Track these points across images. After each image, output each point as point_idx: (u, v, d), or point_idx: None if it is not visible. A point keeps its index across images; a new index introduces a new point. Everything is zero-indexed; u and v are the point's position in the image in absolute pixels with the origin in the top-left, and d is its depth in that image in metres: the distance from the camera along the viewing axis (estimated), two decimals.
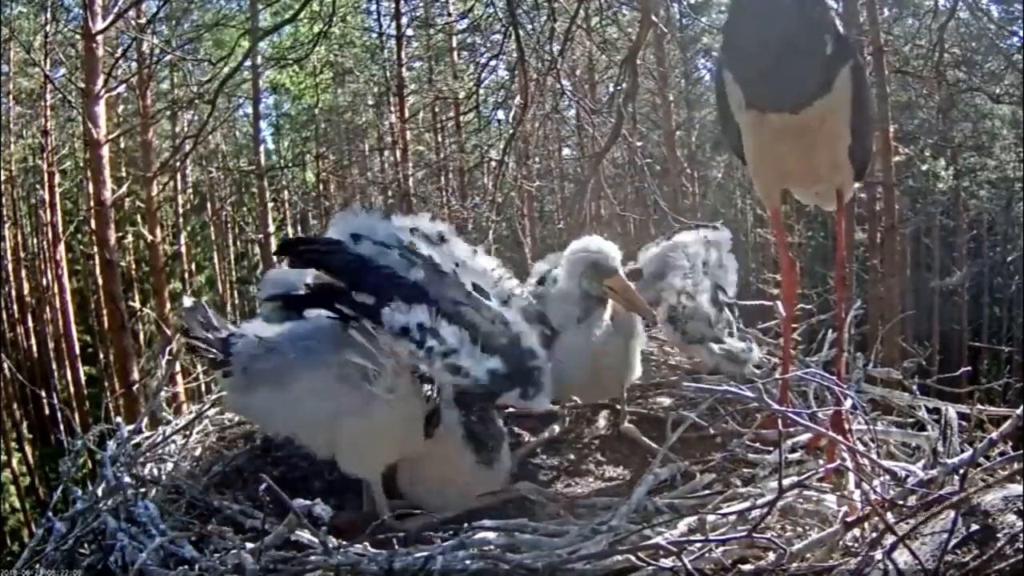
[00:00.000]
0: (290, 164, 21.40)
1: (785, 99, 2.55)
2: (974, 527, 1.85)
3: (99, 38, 9.81)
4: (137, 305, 15.81)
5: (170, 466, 3.08)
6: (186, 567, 2.19)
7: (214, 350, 2.54)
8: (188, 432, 3.29)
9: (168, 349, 3.41)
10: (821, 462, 2.62)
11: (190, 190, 20.90)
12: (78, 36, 11.56)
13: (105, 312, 12.03)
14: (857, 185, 3.14)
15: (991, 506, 1.89)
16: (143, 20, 12.06)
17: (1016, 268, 19.60)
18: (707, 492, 2.52)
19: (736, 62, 2.65)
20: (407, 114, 16.68)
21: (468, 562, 2.06)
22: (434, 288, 2.54)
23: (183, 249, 19.20)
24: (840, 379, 2.85)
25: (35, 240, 19.53)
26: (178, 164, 14.29)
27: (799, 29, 2.49)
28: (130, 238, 17.91)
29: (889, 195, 11.50)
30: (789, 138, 2.67)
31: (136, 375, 9.81)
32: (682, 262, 3.37)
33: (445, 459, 2.61)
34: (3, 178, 16.10)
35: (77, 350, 15.99)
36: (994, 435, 2.24)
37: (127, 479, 2.76)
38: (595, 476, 3.07)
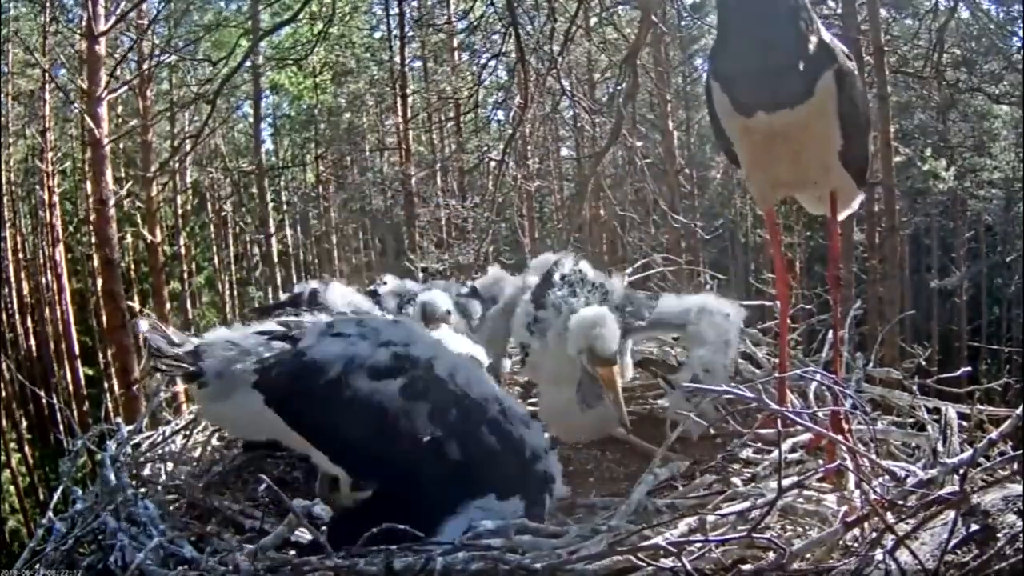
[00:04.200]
0: (290, 164, 21.42)
1: (766, 101, 2.60)
2: (974, 527, 1.85)
3: (101, 39, 9.82)
4: (136, 306, 15.79)
5: (170, 466, 3.09)
6: (186, 567, 2.19)
7: (185, 364, 2.47)
8: (188, 432, 3.30)
9: None
10: (821, 462, 2.62)
11: (189, 191, 20.90)
12: (78, 36, 11.57)
13: (105, 311, 12.02)
14: (861, 197, 3.12)
15: (991, 506, 1.88)
16: (144, 21, 12.05)
17: (1015, 268, 19.60)
18: (707, 492, 2.52)
19: (721, 67, 2.71)
20: (408, 114, 16.69)
21: (468, 562, 2.06)
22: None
23: (182, 250, 19.21)
24: (838, 379, 2.85)
25: (35, 241, 19.53)
26: (177, 164, 14.30)
27: (779, 35, 2.54)
28: (129, 238, 17.92)
29: (889, 196, 11.48)
30: (776, 142, 2.71)
31: (137, 374, 9.80)
32: (710, 336, 3.22)
33: None
34: (3, 179, 16.10)
35: (77, 350, 15.99)
36: (994, 435, 2.24)
37: (127, 479, 2.76)
38: (595, 476, 3.07)
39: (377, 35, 18.69)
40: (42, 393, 16.27)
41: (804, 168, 2.82)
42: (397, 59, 16.61)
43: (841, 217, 3.15)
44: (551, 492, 2.20)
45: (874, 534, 1.97)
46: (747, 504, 2.22)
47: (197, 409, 2.81)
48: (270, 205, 18.12)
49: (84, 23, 10.36)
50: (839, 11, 9.89)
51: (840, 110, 2.67)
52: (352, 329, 2.28)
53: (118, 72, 11.48)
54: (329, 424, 2.19)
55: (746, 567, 1.99)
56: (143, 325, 2.60)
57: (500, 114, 15.02)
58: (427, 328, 3.05)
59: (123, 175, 16.58)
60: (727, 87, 2.68)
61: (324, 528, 2.22)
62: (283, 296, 3.28)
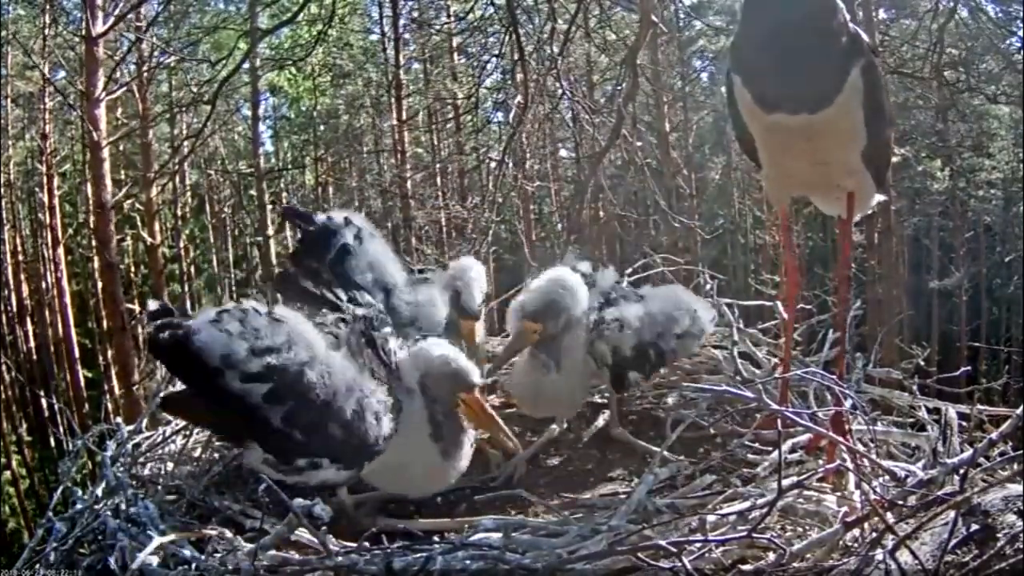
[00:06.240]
0: (289, 167, 21.43)
1: (794, 102, 2.50)
2: (974, 527, 1.86)
3: (100, 41, 9.83)
4: (137, 308, 15.79)
5: (170, 466, 3.08)
6: (186, 567, 2.19)
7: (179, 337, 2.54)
8: (188, 432, 3.29)
9: None
10: (821, 462, 2.62)
11: (189, 193, 20.91)
12: (77, 39, 11.58)
13: (105, 313, 12.05)
14: (881, 198, 3.03)
15: (991, 506, 1.89)
16: (143, 23, 12.05)
17: (1015, 268, 19.61)
18: (707, 492, 2.51)
19: (743, 61, 2.61)
20: (405, 116, 16.70)
21: (468, 562, 2.07)
22: None
23: (182, 252, 19.21)
24: (840, 379, 2.84)
25: (34, 243, 19.52)
26: (177, 166, 14.30)
27: (808, 32, 2.44)
28: (129, 241, 17.92)
29: (887, 197, 11.49)
30: (800, 141, 2.62)
31: (137, 376, 9.81)
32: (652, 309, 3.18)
33: (407, 445, 2.63)
34: (2, 181, 16.10)
35: (76, 353, 15.98)
36: (994, 435, 2.24)
37: (127, 479, 2.76)
38: (595, 476, 3.07)
39: (374, 37, 18.71)
40: (42, 395, 16.27)
41: (826, 167, 2.73)
42: (393, 61, 16.61)
43: (856, 218, 3.06)
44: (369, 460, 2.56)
45: (874, 534, 1.97)
46: (747, 504, 2.22)
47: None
48: (268, 207, 18.13)
49: (81, 25, 10.40)
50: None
51: (866, 106, 2.56)
52: (234, 327, 2.48)
53: (117, 74, 11.49)
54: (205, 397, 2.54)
55: (746, 567, 1.99)
56: (152, 305, 2.66)
57: (499, 115, 15.03)
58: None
59: (123, 177, 16.58)
60: (749, 82, 2.57)
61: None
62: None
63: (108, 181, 10.39)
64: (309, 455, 2.47)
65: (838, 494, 2.37)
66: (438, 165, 17.25)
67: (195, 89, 11.81)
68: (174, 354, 2.50)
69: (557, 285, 2.99)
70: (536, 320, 2.91)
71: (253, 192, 18.44)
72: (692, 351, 3.34)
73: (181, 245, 19.24)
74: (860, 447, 2.56)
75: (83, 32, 10.20)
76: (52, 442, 14.84)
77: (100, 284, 13.62)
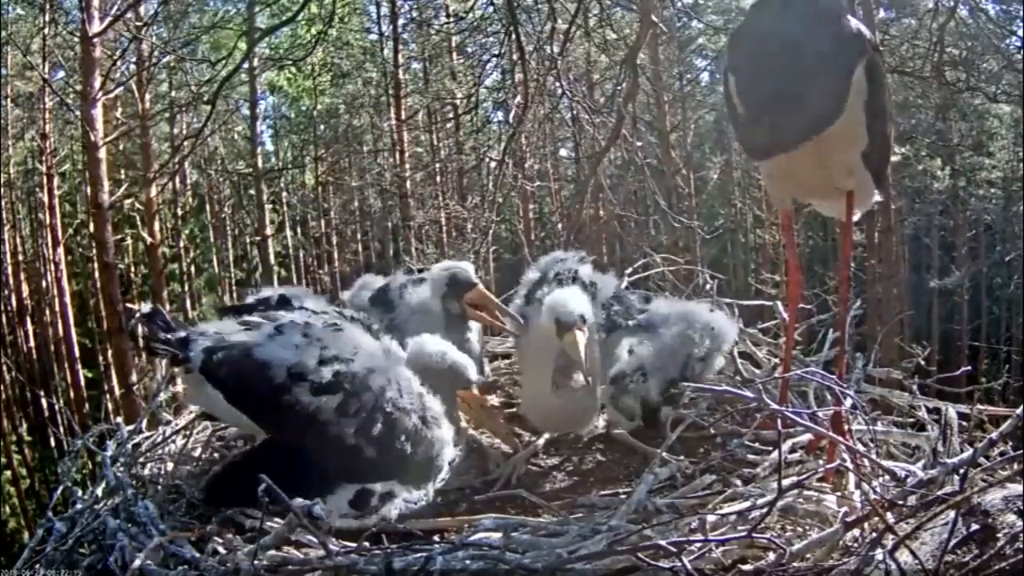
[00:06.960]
0: (289, 166, 21.43)
1: (794, 138, 2.47)
2: (974, 527, 1.85)
3: (97, 40, 9.83)
4: (136, 307, 15.75)
5: (170, 466, 3.08)
6: (186, 567, 2.19)
7: (174, 349, 2.59)
8: (188, 433, 3.29)
9: None
10: (821, 462, 2.62)
11: (188, 193, 20.90)
12: (76, 39, 11.58)
13: (104, 314, 12.03)
14: (879, 197, 2.99)
15: (991, 506, 1.89)
16: (141, 23, 12.04)
17: (1015, 267, 19.60)
18: (707, 492, 2.51)
19: (739, 63, 2.56)
20: (404, 115, 16.70)
21: (468, 562, 2.06)
22: None
23: (182, 251, 19.20)
24: (840, 379, 2.84)
25: (34, 243, 19.51)
26: (176, 166, 14.28)
27: (808, 42, 2.36)
28: (129, 240, 17.91)
29: (885, 196, 11.45)
30: (803, 156, 2.58)
31: (135, 376, 9.81)
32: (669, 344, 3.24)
33: None
34: (2, 181, 16.09)
35: (76, 352, 15.97)
36: (994, 435, 2.24)
37: (127, 479, 2.76)
38: (595, 476, 3.07)
39: (373, 37, 18.72)
40: (42, 395, 16.26)
41: (827, 170, 2.68)
42: (392, 61, 16.61)
43: (856, 217, 3.01)
44: (437, 473, 2.59)
45: (874, 534, 1.97)
46: (747, 504, 2.22)
47: (184, 393, 2.90)
48: (267, 207, 18.12)
49: (80, 25, 10.39)
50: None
51: (868, 107, 2.52)
52: (298, 338, 2.50)
53: (116, 74, 11.48)
54: (270, 419, 2.53)
55: (746, 567, 1.99)
56: (145, 308, 2.69)
57: (499, 115, 15.03)
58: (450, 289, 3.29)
59: (123, 177, 16.57)
60: (750, 126, 2.54)
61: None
62: (250, 299, 3.27)
63: (105, 181, 10.39)
64: (381, 474, 2.44)
65: (838, 494, 2.36)
66: (437, 165, 17.24)
67: (195, 89, 11.78)
68: (233, 374, 2.49)
69: (566, 295, 3.00)
70: (579, 328, 2.87)
71: (253, 192, 18.44)
72: (717, 367, 3.36)
73: (181, 245, 19.22)
74: (860, 447, 2.56)
75: (80, 32, 10.20)
76: (52, 442, 14.82)
77: (99, 284, 13.62)
